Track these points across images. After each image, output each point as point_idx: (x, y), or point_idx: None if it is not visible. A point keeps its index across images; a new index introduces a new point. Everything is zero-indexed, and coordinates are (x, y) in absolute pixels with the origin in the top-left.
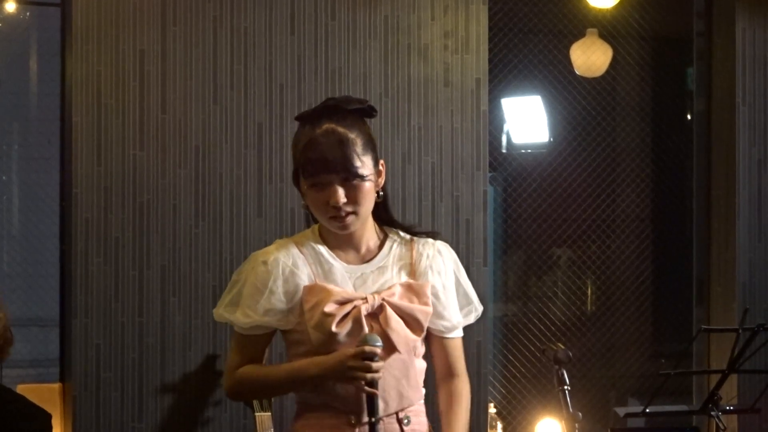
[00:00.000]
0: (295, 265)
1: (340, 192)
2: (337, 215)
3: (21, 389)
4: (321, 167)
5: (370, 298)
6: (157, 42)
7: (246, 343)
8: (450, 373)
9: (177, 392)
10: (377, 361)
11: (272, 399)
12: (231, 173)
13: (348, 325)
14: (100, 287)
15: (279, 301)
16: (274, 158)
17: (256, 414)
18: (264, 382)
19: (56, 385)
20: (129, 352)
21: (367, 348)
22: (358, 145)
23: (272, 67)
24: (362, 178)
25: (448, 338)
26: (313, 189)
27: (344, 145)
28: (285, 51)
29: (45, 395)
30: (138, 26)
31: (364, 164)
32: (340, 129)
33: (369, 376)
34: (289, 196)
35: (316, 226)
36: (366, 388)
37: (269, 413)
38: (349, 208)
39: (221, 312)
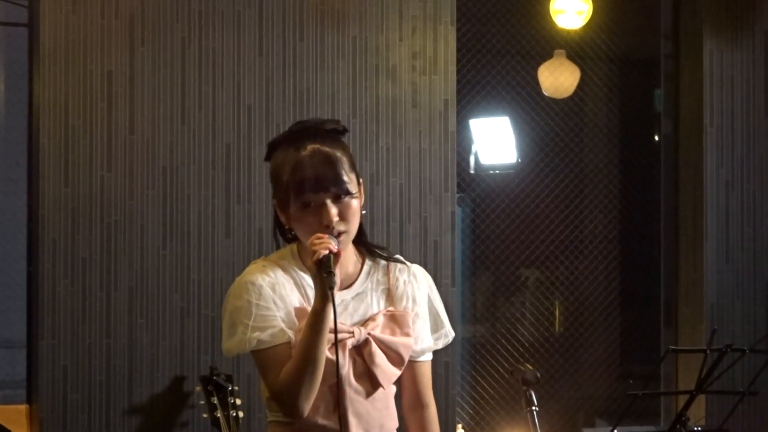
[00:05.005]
0: (282, 286)
1: (333, 210)
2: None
3: None
4: (312, 186)
5: (357, 332)
6: (125, 63)
7: (276, 355)
8: (420, 403)
9: (144, 414)
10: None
11: (239, 421)
12: (199, 194)
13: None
14: (67, 309)
15: (287, 312)
16: (242, 179)
17: None
18: (302, 359)
19: (23, 407)
20: (96, 374)
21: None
22: (345, 163)
23: (240, 88)
24: (352, 195)
25: (417, 362)
26: (303, 211)
27: (333, 163)
28: (253, 72)
29: (12, 417)
30: (106, 47)
31: (352, 181)
32: (326, 148)
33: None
34: (257, 216)
35: (294, 248)
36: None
37: None
38: (341, 227)
39: (234, 344)
